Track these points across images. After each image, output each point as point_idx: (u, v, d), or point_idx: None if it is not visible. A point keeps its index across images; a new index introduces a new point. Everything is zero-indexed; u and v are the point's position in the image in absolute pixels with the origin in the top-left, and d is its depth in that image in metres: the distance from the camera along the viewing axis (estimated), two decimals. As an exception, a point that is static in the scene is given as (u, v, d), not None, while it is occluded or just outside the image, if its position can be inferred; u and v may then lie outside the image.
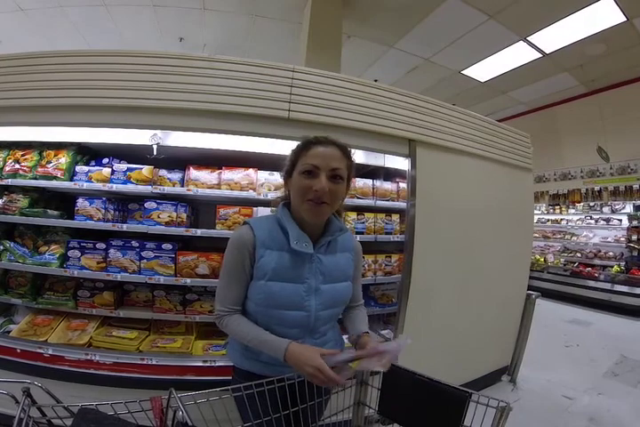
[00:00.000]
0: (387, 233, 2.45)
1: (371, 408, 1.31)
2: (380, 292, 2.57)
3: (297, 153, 1.16)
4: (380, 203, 2.40)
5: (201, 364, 1.96)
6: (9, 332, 2.13)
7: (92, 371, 1.91)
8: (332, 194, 1.10)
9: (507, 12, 4.41)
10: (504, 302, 3.01)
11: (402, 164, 2.35)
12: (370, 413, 1.36)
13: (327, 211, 1.14)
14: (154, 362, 1.96)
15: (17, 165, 2.14)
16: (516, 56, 5.51)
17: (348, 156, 1.17)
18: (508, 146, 2.88)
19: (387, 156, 2.35)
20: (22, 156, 2.17)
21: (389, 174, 2.58)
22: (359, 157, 2.21)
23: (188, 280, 2.03)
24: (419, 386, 1.15)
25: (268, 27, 4.99)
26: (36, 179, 2.10)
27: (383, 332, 2.48)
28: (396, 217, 2.52)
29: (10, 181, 2.10)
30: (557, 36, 4.91)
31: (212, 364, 1.94)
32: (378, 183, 2.46)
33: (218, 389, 1.04)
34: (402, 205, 2.39)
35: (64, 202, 2.31)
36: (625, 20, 4.46)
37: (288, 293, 1.14)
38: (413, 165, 2.25)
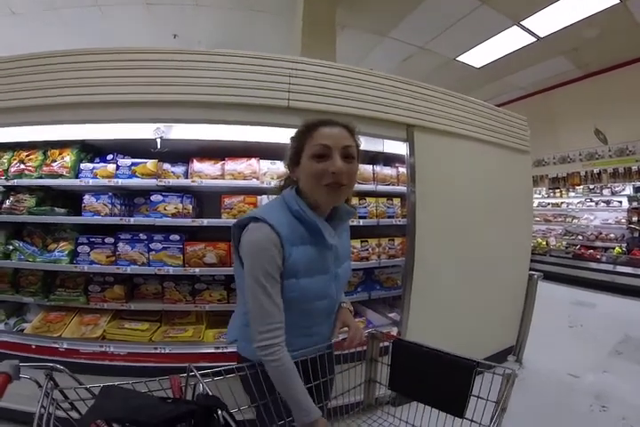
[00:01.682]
0: (389, 217, 2.50)
1: (382, 385, 1.35)
2: (385, 275, 2.62)
3: (300, 138, 1.09)
4: (381, 188, 2.45)
5: (213, 350, 2.01)
6: (22, 330, 2.17)
7: (107, 362, 1.95)
8: (348, 174, 1.06)
9: (499, -5, 4.37)
10: (507, 283, 3.06)
11: (400, 149, 2.38)
12: (380, 394, 1.41)
13: (346, 193, 1.11)
14: (167, 351, 2.01)
15: (22, 166, 2.18)
16: (510, 41, 5.49)
17: (354, 135, 1.12)
18: (505, 129, 2.91)
19: (385, 141, 2.39)
20: (27, 156, 2.21)
21: (389, 159, 2.62)
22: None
23: (197, 270, 2.08)
24: (427, 359, 1.19)
25: (262, 20, 4.99)
26: (41, 178, 2.15)
27: (390, 315, 2.54)
28: (397, 201, 2.57)
29: (16, 182, 2.14)
30: (551, 19, 4.88)
31: (224, 350, 1.98)
32: (378, 168, 2.51)
33: (233, 365, 1.09)
34: (402, 189, 2.43)
35: (69, 199, 2.34)
36: (618, 1, 4.44)
37: (319, 285, 1.13)
38: (411, 149, 2.30)
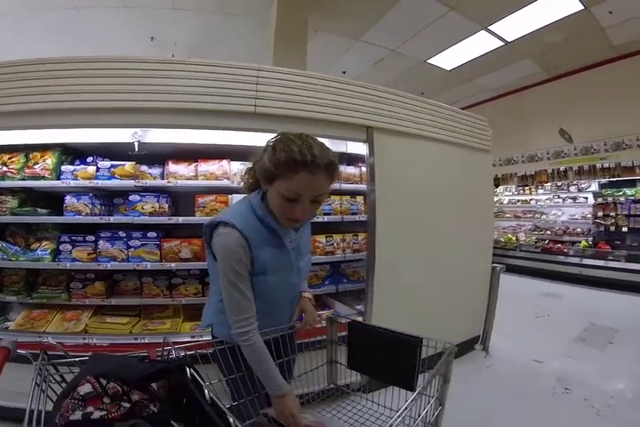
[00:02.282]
0: (352, 213, 2.65)
1: (342, 365, 1.48)
2: (351, 269, 2.78)
3: (280, 168, 1.07)
4: (345, 186, 2.61)
5: (189, 338, 2.12)
6: (7, 328, 2.23)
7: (90, 353, 2.05)
8: (310, 212, 1.17)
9: (467, 3, 4.57)
10: (471, 275, 3.23)
11: (363, 149, 2.54)
12: (353, 380, 1.52)
13: (304, 222, 1.26)
14: (146, 340, 2.13)
15: (4, 168, 2.24)
16: (479, 45, 5.68)
17: (334, 176, 1.14)
18: (466, 129, 3.09)
19: (349, 142, 2.56)
20: (9, 159, 2.27)
21: (352, 159, 2.78)
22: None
23: (173, 264, 2.21)
24: (379, 338, 1.30)
25: (238, 24, 5.06)
26: (24, 180, 2.21)
27: (358, 307, 2.68)
28: (360, 199, 2.72)
29: None
30: (518, 24, 5.08)
31: (200, 338, 2.08)
32: (342, 168, 2.65)
33: (204, 341, 1.24)
34: (365, 187, 2.59)
35: (51, 200, 2.40)
36: (583, 8, 4.65)
37: (285, 280, 1.27)
38: (371, 149, 2.47)
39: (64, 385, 0.93)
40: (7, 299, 2.27)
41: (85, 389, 0.75)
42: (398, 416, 0.89)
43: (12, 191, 2.29)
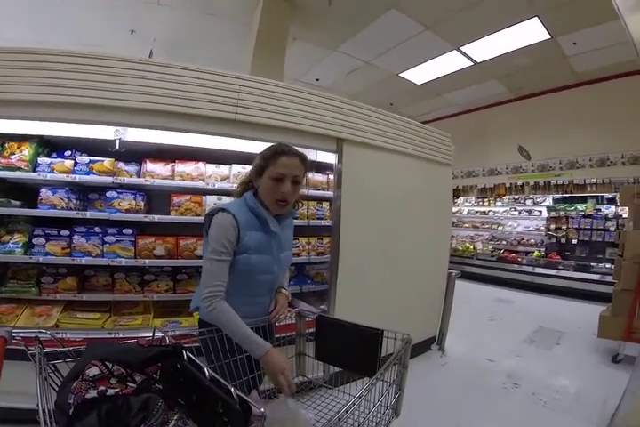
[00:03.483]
0: (318, 218, 2.79)
1: (310, 357, 1.60)
2: (315, 271, 2.91)
3: (267, 160, 1.44)
4: (313, 192, 2.75)
5: (162, 334, 2.16)
6: None
7: (62, 348, 2.05)
8: (292, 194, 1.45)
9: (442, 24, 4.85)
10: (428, 279, 3.44)
11: (331, 158, 2.69)
12: (318, 376, 1.62)
13: (288, 206, 1.50)
14: (120, 335, 2.14)
15: None
16: (449, 63, 5.97)
17: (305, 164, 1.48)
18: (429, 144, 3.29)
19: (318, 151, 2.69)
20: None
21: (321, 167, 2.92)
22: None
23: (147, 261, 2.26)
24: (344, 331, 1.44)
25: (219, 25, 5.09)
26: None
27: (321, 307, 2.79)
28: (326, 204, 2.86)
29: None
30: (488, 47, 5.41)
31: (174, 332, 2.17)
32: (310, 175, 2.80)
33: (195, 330, 1.34)
34: (331, 194, 2.75)
35: (22, 192, 2.33)
36: (549, 37, 5.01)
37: (263, 261, 1.47)
38: (340, 159, 2.62)
39: (57, 375, 1.00)
40: (-28, 292, 2.19)
41: (94, 371, 0.82)
42: (357, 397, 1.00)
43: (-18, 181, 2.22)
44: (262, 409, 0.74)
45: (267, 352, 1.27)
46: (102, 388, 0.79)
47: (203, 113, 2.14)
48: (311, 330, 1.58)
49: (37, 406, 0.78)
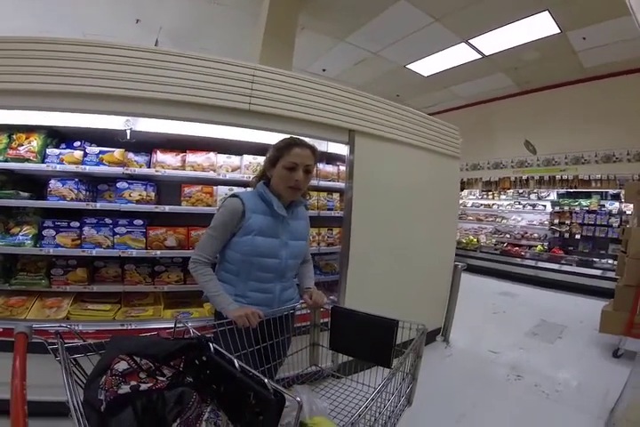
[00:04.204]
0: (329, 209, 2.79)
1: (324, 347, 1.61)
2: (324, 262, 2.92)
3: (280, 151, 1.55)
4: (323, 183, 2.73)
5: (182, 325, 2.14)
6: None
7: (75, 341, 2.04)
8: (304, 182, 1.55)
9: (451, 16, 4.79)
10: (435, 271, 3.46)
11: (342, 149, 2.69)
12: (327, 366, 1.66)
13: (300, 193, 1.60)
14: (133, 327, 2.16)
15: None
16: (457, 55, 5.92)
17: (315, 155, 1.59)
18: (438, 137, 3.29)
19: (329, 142, 2.69)
20: None
21: (331, 158, 2.91)
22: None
23: (158, 252, 2.25)
24: (359, 321, 1.45)
25: (225, 14, 5.03)
26: (7, 161, 2.12)
27: (331, 297, 2.79)
28: (336, 195, 2.85)
29: None
30: (496, 40, 5.36)
31: (187, 324, 2.16)
32: (321, 166, 2.79)
33: (211, 323, 1.33)
34: (342, 185, 2.75)
35: (31, 183, 2.34)
36: (559, 31, 4.97)
37: (268, 244, 1.54)
38: (352, 151, 2.62)
39: (78, 369, 0.99)
40: (-19, 285, 2.15)
41: (122, 366, 0.82)
42: (379, 391, 1.00)
43: (-9, 172, 2.19)
44: (298, 398, 0.73)
45: (234, 309, 1.41)
46: (134, 383, 0.79)
47: (217, 103, 2.12)
48: (324, 320, 1.61)
49: (67, 403, 0.77)
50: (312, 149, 1.58)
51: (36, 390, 1.72)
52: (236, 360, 0.83)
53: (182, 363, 0.92)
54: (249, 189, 1.83)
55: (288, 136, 1.62)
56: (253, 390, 0.76)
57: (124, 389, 0.76)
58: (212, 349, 0.89)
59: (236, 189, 2.39)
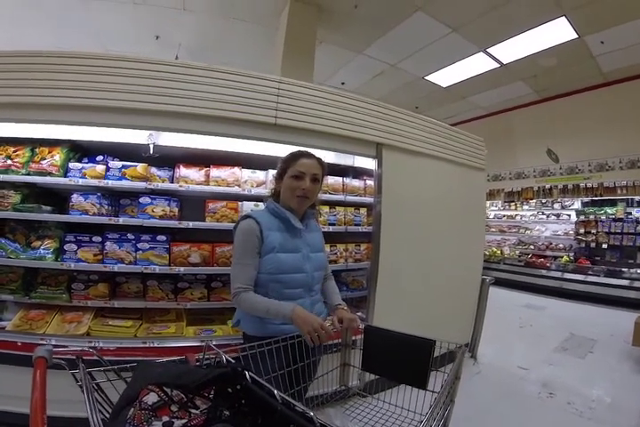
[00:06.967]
0: (356, 224, 2.73)
1: (355, 367, 1.54)
2: (351, 278, 2.84)
3: (287, 162, 1.57)
4: (350, 198, 2.68)
5: (199, 344, 2.04)
6: (2, 328, 2.10)
7: (96, 358, 1.99)
8: (311, 191, 1.55)
9: (469, 26, 4.76)
10: (462, 285, 3.35)
11: (368, 163, 2.64)
12: (353, 384, 1.59)
13: (308, 203, 1.60)
14: (155, 344, 2.09)
15: (9, 161, 2.12)
16: (475, 65, 5.88)
17: (322, 166, 1.61)
18: (463, 149, 3.22)
19: (355, 156, 2.63)
20: (14, 152, 2.16)
21: (357, 173, 2.86)
22: (331, 157, 2.47)
23: (182, 269, 2.19)
24: (393, 341, 1.40)
25: (244, 30, 5.09)
26: (29, 175, 2.12)
27: (358, 314, 2.71)
28: (363, 210, 2.79)
29: (2, 177, 2.09)
30: (514, 48, 5.30)
31: (210, 342, 2.09)
32: (347, 180, 2.74)
33: (239, 346, 1.27)
34: (369, 200, 2.70)
35: (53, 197, 2.35)
36: (577, 37, 4.90)
37: (292, 260, 1.54)
38: (380, 165, 2.56)
39: (100, 394, 0.92)
40: (2, 297, 2.16)
41: (152, 398, 0.74)
42: (427, 420, 0.92)
43: (14, 186, 2.19)
44: None
45: (293, 309, 1.35)
46: (166, 419, 0.71)
47: (243, 117, 2.10)
48: (354, 337, 1.55)
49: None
50: (319, 159, 1.60)
51: (53, 405, 1.71)
52: (276, 392, 0.75)
53: (213, 391, 0.83)
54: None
55: (302, 149, 1.65)
56: (297, 424, 0.68)
57: (157, 425, 0.69)
58: (248, 378, 0.80)
59: (262, 206, 2.31)
